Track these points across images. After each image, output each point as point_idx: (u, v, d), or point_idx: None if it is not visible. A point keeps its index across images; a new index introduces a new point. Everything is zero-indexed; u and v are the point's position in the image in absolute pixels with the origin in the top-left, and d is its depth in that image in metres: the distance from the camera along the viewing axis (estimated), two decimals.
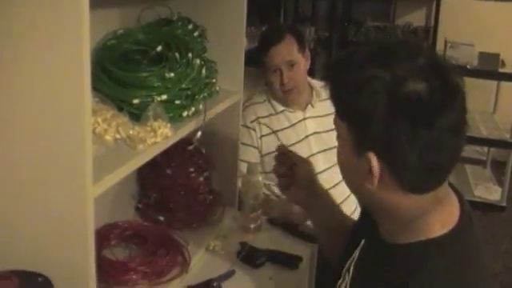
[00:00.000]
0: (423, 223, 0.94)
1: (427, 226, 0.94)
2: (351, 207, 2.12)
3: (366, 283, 1.02)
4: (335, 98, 0.96)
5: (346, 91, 0.91)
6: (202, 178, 1.74)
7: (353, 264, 1.08)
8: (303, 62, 2.13)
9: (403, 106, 0.85)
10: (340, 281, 1.11)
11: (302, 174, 1.40)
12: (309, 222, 1.92)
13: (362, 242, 1.09)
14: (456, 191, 1.01)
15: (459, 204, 0.99)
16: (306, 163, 1.43)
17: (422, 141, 0.85)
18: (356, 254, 1.09)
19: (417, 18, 4.71)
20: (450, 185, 1.00)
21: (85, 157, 0.97)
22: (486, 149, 4.54)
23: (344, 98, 0.93)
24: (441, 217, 0.95)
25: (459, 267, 0.92)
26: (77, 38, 0.90)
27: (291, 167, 1.41)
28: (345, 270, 1.10)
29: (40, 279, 1.00)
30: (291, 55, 2.08)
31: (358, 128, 0.91)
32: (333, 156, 2.05)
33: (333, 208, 1.42)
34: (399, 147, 0.86)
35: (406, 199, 0.93)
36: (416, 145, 0.85)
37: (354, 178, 0.97)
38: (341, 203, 2.06)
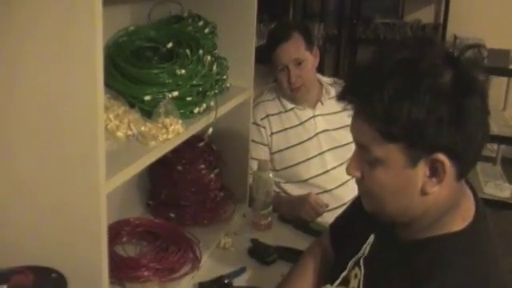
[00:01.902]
0: (449, 218, 0.95)
1: (452, 220, 0.95)
2: None
3: (383, 279, 1.01)
4: (376, 122, 0.90)
5: (401, 110, 0.86)
6: (212, 175, 1.74)
7: (362, 259, 1.08)
8: (311, 60, 2.11)
9: (452, 91, 0.87)
10: (345, 273, 1.10)
11: None
12: (319, 219, 1.93)
13: (372, 237, 1.09)
14: (469, 184, 1.02)
15: (473, 197, 1.00)
16: None
17: (478, 111, 0.88)
18: (366, 249, 1.08)
19: (426, 15, 4.68)
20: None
21: (97, 153, 0.97)
22: (495, 146, 4.50)
23: (397, 119, 0.87)
24: (463, 211, 0.96)
25: (479, 258, 0.93)
26: (90, 34, 0.91)
27: None
28: (352, 263, 1.10)
29: (54, 275, 1.00)
30: (298, 53, 2.07)
31: (419, 139, 0.88)
32: (343, 153, 2.08)
33: None
34: (467, 131, 0.88)
35: (449, 190, 0.93)
36: (477, 118, 0.88)
37: (405, 193, 0.93)
38: (350, 201, 2.05)
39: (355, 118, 0.95)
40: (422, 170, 0.90)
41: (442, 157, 0.88)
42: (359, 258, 1.09)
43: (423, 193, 0.92)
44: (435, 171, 0.90)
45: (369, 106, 0.90)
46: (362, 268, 1.07)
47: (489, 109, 0.92)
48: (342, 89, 0.99)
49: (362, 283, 1.05)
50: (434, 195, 0.93)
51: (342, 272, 1.11)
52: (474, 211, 0.97)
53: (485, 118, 0.91)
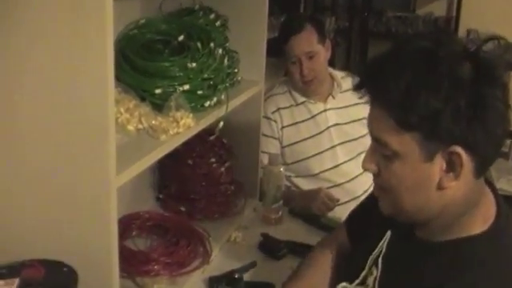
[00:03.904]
0: (469, 219, 0.93)
1: (472, 222, 0.93)
2: None
3: (399, 279, 1.00)
4: (393, 112, 0.88)
5: (419, 99, 0.85)
6: (223, 169, 1.73)
7: (381, 257, 1.06)
8: (323, 53, 2.10)
9: (474, 81, 0.84)
10: (364, 272, 1.09)
11: None
12: (330, 214, 1.92)
13: (388, 234, 1.07)
14: (488, 182, 1.00)
15: (494, 196, 0.98)
16: None
17: (500, 103, 0.86)
18: (383, 247, 1.07)
19: (438, 8, 4.63)
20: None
21: (108, 147, 0.97)
22: (508, 141, 4.46)
23: (415, 107, 0.85)
24: (483, 212, 0.94)
25: (506, 261, 0.91)
26: (101, 28, 0.90)
27: None
28: (370, 262, 1.08)
29: (65, 269, 1.00)
30: (311, 46, 2.05)
31: (436, 129, 0.86)
32: (354, 147, 2.07)
33: None
34: (487, 123, 0.85)
35: (468, 187, 0.91)
36: (498, 111, 0.86)
37: (422, 189, 0.91)
38: (361, 195, 2.05)
39: (372, 108, 0.94)
40: (439, 163, 0.88)
41: (459, 149, 0.86)
42: (377, 257, 1.07)
43: (440, 188, 0.90)
44: (452, 165, 0.88)
45: (385, 93, 0.88)
46: (380, 266, 1.05)
47: (509, 103, 0.89)
48: (359, 78, 0.97)
49: (377, 282, 1.04)
50: (452, 191, 0.90)
51: (359, 270, 1.09)
52: (496, 211, 0.95)
53: (505, 112, 0.88)
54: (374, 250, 1.08)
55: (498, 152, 0.91)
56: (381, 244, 1.08)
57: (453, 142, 0.86)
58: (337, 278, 1.21)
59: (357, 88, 0.95)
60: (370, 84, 0.93)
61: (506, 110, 0.88)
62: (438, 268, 0.93)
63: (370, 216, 1.16)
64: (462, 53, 0.88)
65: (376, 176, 0.99)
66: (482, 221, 0.93)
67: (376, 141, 0.94)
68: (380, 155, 0.94)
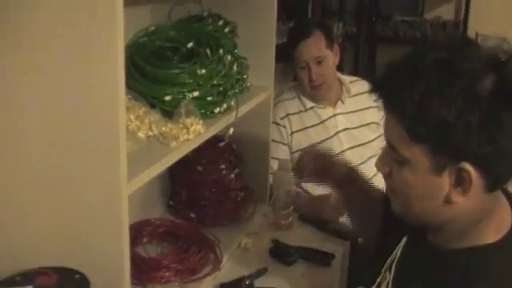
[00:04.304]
0: (482, 227, 0.92)
1: (485, 230, 0.91)
2: None
3: (410, 284, 0.99)
4: (405, 121, 0.87)
5: (429, 110, 0.83)
6: (233, 175, 1.73)
7: (395, 263, 1.06)
8: (332, 58, 2.10)
9: (491, 101, 0.82)
10: (380, 278, 1.08)
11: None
12: (341, 219, 1.91)
13: (404, 240, 1.07)
14: (505, 191, 0.98)
15: (510, 205, 0.96)
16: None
17: (510, 132, 0.83)
18: (398, 252, 1.07)
19: (446, 12, 4.62)
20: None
21: (119, 154, 0.97)
22: None
23: (425, 119, 0.84)
24: (497, 220, 0.92)
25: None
26: (111, 35, 0.90)
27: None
28: (385, 267, 1.08)
29: (77, 276, 1.00)
30: (320, 51, 2.06)
31: (446, 144, 0.85)
32: (363, 152, 2.06)
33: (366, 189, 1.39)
34: (499, 144, 0.82)
35: (479, 200, 0.89)
36: (508, 136, 0.83)
37: (431, 198, 0.91)
38: None
39: (386, 114, 0.93)
40: (448, 177, 0.87)
41: (468, 166, 0.85)
42: (392, 262, 1.07)
43: (448, 202, 0.89)
44: (461, 181, 0.87)
45: (399, 102, 0.87)
46: (393, 270, 1.05)
47: None
48: (374, 82, 0.96)
49: (390, 285, 1.04)
50: (460, 205, 0.89)
51: (376, 276, 1.10)
52: (511, 221, 0.93)
53: None
54: (389, 255, 1.09)
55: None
56: (396, 250, 1.08)
57: (463, 158, 0.85)
58: (355, 281, 1.21)
59: (371, 92, 0.94)
60: (384, 91, 0.92)
61: None
62: (448, 275, 0.92)
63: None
64: (485, 67, 0.84)
65: (387, 178, 0.98)
66: (495, 230, 0.92)
67: (389, 145, 0.94)
68: (392, 159, 0.94)
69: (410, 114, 0.86)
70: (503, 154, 0.84)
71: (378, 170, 0.99)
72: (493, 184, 0.89)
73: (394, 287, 1.03)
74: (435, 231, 0.98)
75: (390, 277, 1.05)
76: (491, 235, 0.91)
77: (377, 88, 0.93)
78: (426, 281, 0.95)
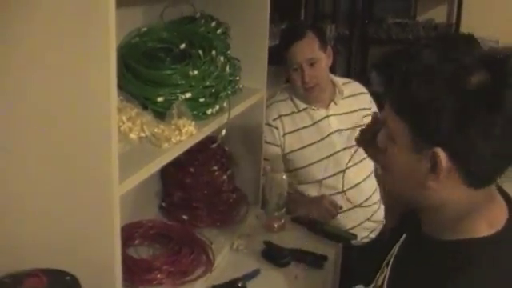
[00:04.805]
0: (470, 221, 0.93)
1: (474, 224, 0.92)
2: (374, 206, 2.10)
3: (405, 276, 1.00)
4: (392, 94, 0.93)
5: (410, 86, 0.88)
6: (225, 177, 1.73)
7: (392, 258, 1.08)
8: (325, 60, 2.10)
9: (472, 95, 0.84)
10: (378, 274, 1.10)
11: None
12: (333, 221, 1.91)
13: (403, 237, 1.09)
14: (502, 192, 0.99)
15: (507, 205, 0.97)
16: None
17: (494, 130, 0.84)
18: (396, 248, 1.09)
19: (439, 14, 4.64)
20: (497, 185, 0.98)
21: (111, 156, 0.96)
22: None
23: (406, 94, 0.90)
24: (489, 216, 0.93)
25: (505, 268, 0.90)
26: (103, 36, 0.90)
27: None
28: (384, 264, 1.10)
29: (67, 278, 1.00)
30: (312, 53, 2.06)
31: (422, 124, 0.88)
32: (356, 153, 2.06)
33: None
34: (471, 139, 0.85)
35: (462, 194, 0.91)
36: (488, 135, 0.84)
37: (410, 178, 0.94)
38: (364, 202, 2.05)
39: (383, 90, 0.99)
40: (424, 161, 0.90)
41: (440, 153, 0.87)
42: (390, 257, 1.09)
43: (423, 184, 0.92)
44: (434, 166, 0.89)
45: (389, 77, 0.94)
46: (390, 265, 1.07)
47: None
48: (378, 60, 1.03)
49: (386, 279, 1.05)
50: (438, 193, 0.92)
51: (376, 274, 1.12)
52: (507, 219, 0.94)
53: (503, 140, 0.85)
54: (388, 253, 1.11)
55: (495, 172, 0.91)
56: (395, 247, 1.09)
57: (436, 143, 0.88)
58: (347, 283, 1.22)
59: (374, 67, 1.01)
60: (382, 67, 0.99)
61: (507, 138, 0.85)
62: (440, 266, 0.93)
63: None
64: (480, 61, 0.86)
65: (383, 152, 1.01)
66: (487, 225, 0.92)
67: (383, 120, 0.99)
68: (384, 134, 0.98)
69: (395, 87, 0.93)
70: (477, 151, 0.86)
71: (380, 144, 1.01)
72: (473, 180, 0.90)
73: (391, 281, 1.04)
74: (428, 223, 1.00)
75: (387, 271, 1.06)
76: (483, 229, 0.92)
77: (378, 64, 1.00)
78: (419, 271, 0.96)
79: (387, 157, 0.98)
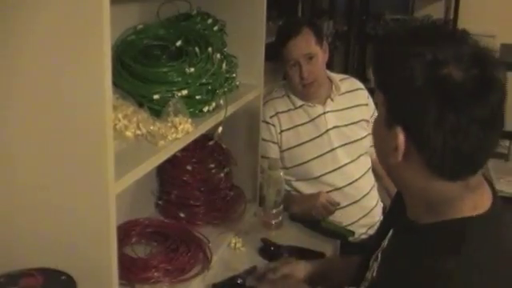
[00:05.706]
0: (453, 204, 0.93)
1: (456, 207, 0.93)
2: (372, 202, 2.09)
3: (394, 265, 1.00)
4: (376, 67, 0.97)
5: (387, 63, 0.94)
6: (222, 174, 1.72)
7: (380, 252, 1.08)
8: (321, 55, 2.10)
9: (437, 86, 0.85)
10: (368, 271, 1.10)
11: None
12: (330, 218, 1.91)
13: (391, 231, 1.08)
14: (488, 181, 1.00)
15: (492, 193, 0.98)
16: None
17: (448, 124, 0.85)
18: (385, 243, 1.08)
19: (436, 10, 4.63)
20: (483, 175, 0.98)
21: (106, 154, 0.96)
22: (507, 142, 4.46)
23: (384, 69, 0.95)
24: (473, 200, 0.94)
25: (497, 243, 0.92)
26: (98, 33, 0.89)
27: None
28: (372, 259, 1.10)
29: (63, 277, 0.99)
30: (309, 48, 2.05)
31: (392, 100, 0.92)
32: (354, 149, 2.06)
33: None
34: (425, 126, 0.86)
35: (432, 182, 0.92)
36: (441, 127, 0.85)
37: (382, 149, 0.98)
38: (361, 198, 2.04)
39: None
40: (390, 137, 0.92)
41: (400, 133, 0.90)
42: (378, 253, 1.09)
43: (389, 160, 0.94)
44: (395, 145, 0.91)
45: (377, 54, 1.00)
46: (379, 259, 1.07)
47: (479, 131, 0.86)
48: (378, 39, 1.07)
49: (375, 271, 1.05)
50: (406, 171, 0.93)
51: (366, 272, 1.11)
52: (491, 204, 0.95)
53: (457, 136, 0.86)
54: (377, 249, 1.10)
55: (465, 166, 0.90)
56: (384, 241, 1.09)
57: (400, 122, 0.90)
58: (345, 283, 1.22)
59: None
60: (376, 44, 1.05)
61: (468, 126, 0.85)
62: (429, 247, 0.93)
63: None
64: (471, 57, 0.86)
65: None
66: (471, 208, 0.93)
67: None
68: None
69: (379, 60, 0.98)
70: (430, 140, 0.87)
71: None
72: (436, 170, 0.90)
73: (379, 274, 1.04)
74: (411, 207, 1.01)
75: (376, 264, 1.07)
76: (468, 210, 0.93)
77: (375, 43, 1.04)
78: (405, 257, 0.95)
79: (374, 122, 1.02)
